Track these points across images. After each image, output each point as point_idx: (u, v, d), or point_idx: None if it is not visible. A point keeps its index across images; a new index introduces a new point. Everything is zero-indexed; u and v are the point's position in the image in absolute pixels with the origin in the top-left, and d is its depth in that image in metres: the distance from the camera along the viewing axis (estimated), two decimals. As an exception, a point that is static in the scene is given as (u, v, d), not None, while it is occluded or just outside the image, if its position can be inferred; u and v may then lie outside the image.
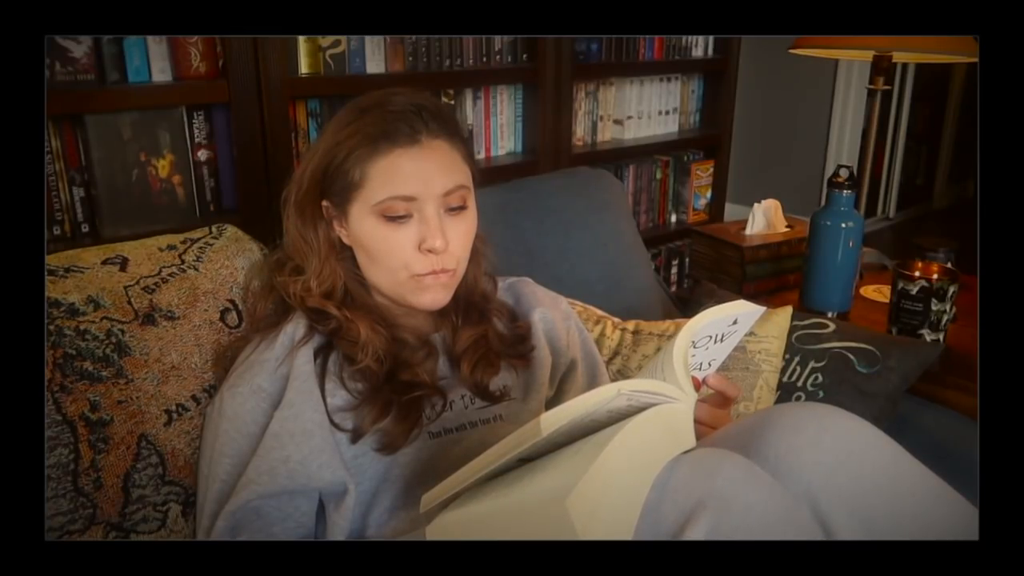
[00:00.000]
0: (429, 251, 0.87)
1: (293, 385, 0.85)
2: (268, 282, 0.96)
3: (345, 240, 0.92)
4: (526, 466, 0.71)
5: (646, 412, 0.67)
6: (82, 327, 0.87)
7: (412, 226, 0.87)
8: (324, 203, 0.90)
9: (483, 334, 0.96)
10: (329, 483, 0.83)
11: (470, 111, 1.97)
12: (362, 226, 0.88)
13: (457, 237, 0.89)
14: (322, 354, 0.89)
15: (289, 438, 0.83)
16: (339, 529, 0.84)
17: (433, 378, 0.92)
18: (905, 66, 3.78)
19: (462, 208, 0.90)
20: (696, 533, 0.64)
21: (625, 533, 0.62)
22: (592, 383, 1.05)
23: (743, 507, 0.65)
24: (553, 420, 0.62)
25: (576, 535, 0.57)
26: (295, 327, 0.90)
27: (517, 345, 1.00)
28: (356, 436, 0.85)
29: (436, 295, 0.90)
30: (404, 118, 0.86)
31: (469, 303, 0.98)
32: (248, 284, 0.99)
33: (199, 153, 1.54)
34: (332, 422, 0.85)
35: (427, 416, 0.89)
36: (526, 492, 0.65)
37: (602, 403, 0.64)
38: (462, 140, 0.91)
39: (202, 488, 0.86)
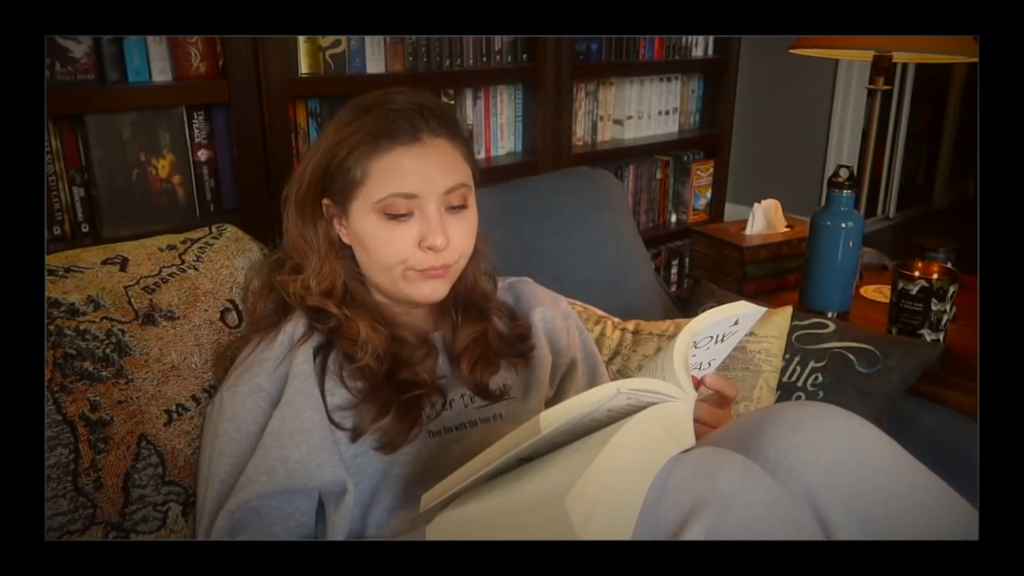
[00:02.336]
0: (430, 248, 0.87)
1: (292, 384, 0.85)
2: (268, 281, 0.96)
3: (345, 239, 0.92)
4: (526, 466, 0.71)
5: (646, 411, 0.67)
6: (82, 327, 0.87)
7: (413, 224, 0.87)
8: (324, 201, 0.90)
9: (483, 332, 0.96)
10: (329, 482, 0.83)
11: (470, 111, 1.97)
12: (363, 224, 0.88)
13: (458, 235, 0.90)
14: (321, 353, 0.89)
15: (288, 437, 0.83)
16: (339, 529, 0.83)
17: (433, 377, 0.92)
18: (905, 66, 3.78)
19: (463, 207, 0.90)
20: (696, 532, 0.64)
21: (624, 532, 0.62)
22: (592, 382, 1.05)
23: (743, 506, 0.65)
24: (552, 418, 0.62)
25: (575, 533, 0.57)
26: (294, 326, 0.90)
27: (517, 344, 1.00)
28: (356, 435, 0.85)
29: (435, 287, 0.91)
30: (405, 116, 0.86)
31: (469, 302, 0.98)
32: (248, 284, 0.99)
33: (199, 153, 1.54)
34: (332, 421, 0.85)
35: (427, 415, 0.89)
36: (525, 491, 0.65)
37: (602, 402, 0.64)
38: (462, 139, 0.92)
39: (202, 488, 0.86)
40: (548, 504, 0.61)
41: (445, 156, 0.88)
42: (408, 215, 0.87)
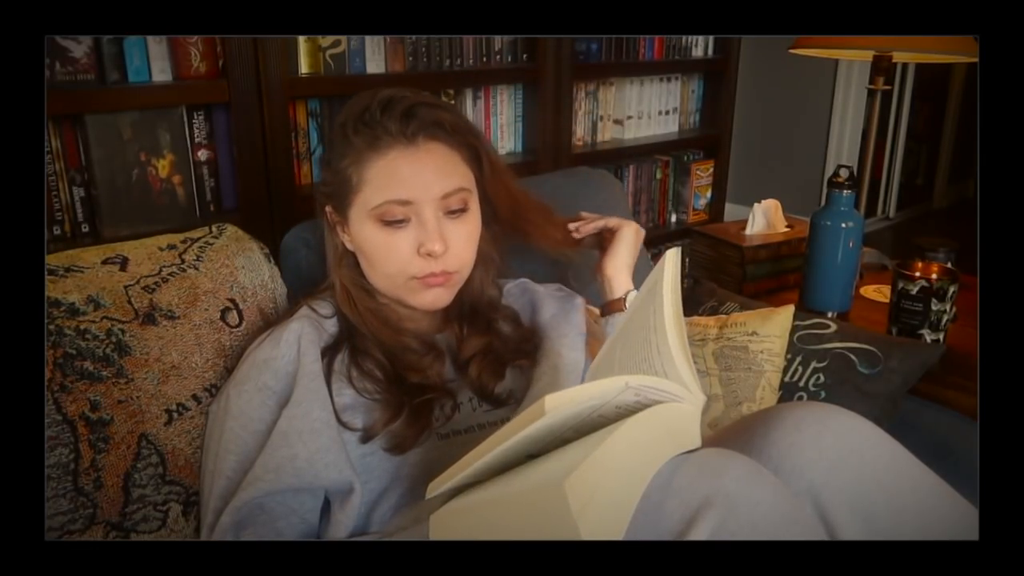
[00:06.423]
0: (428, 255, 0.87)
1: (301, 383, 0.85)
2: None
3: (348, 245, 0.92)
4: (531, 461, 0.71)
5: (653, 408, 0.67)
6: (82, 327, 0.87)
7: (410, 230, 0.87)
8: (327, 208, 0.90)
9: (489, 343, 0.96)
10: (335, 482, 0.83)
11: (470, 111, 1.97)
12: (361, 232, 0.88)
13: (458, 240, 0.89)
14: (329, 354, 0.89)
15: (297, 436, 0.82)
16: (343, 527, 0.83)
17: (442, 380, 0.92)
18: (905, 66, 3.78)
19: (463, 211, 0.90)
20: (702, 531, 0.64)
21: (620, 523, 0.62)
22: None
23: (749, 505, 0.65)
24: (558, 401, 0.61)
25: (572, 518, 0.57)
26: (301, 325, 0.89)
27: (523, 344, 0.99)
28: (367, 437, 0.86)
29: (437, 296, 0.90)
30: (399, 118, 0.86)
31: (475, 311, 0.98)
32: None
33: (199, 153, 1.54)
34: (340, 421, 0.85)
35: (436, 418, 0.89)
36: (527, 478, 0.66)
37: (609, 395, 0.64)
38: (464, 141, 0.90)
39: (207, 484, 0.86)
40: (547, 488, 0.61)
41: (441, 159, 0.87)
42: (405, 221, 0.87)
